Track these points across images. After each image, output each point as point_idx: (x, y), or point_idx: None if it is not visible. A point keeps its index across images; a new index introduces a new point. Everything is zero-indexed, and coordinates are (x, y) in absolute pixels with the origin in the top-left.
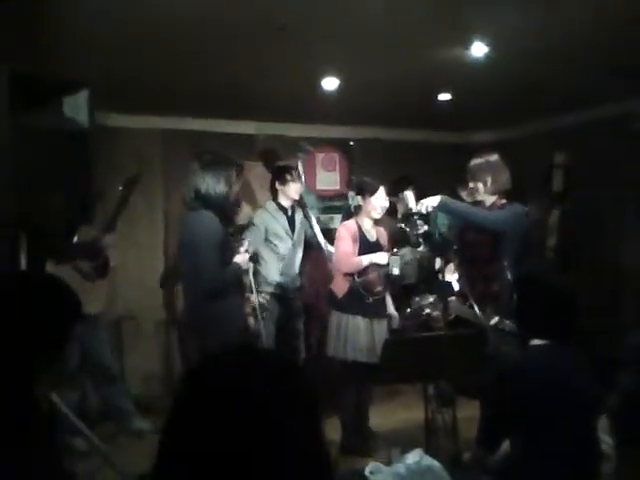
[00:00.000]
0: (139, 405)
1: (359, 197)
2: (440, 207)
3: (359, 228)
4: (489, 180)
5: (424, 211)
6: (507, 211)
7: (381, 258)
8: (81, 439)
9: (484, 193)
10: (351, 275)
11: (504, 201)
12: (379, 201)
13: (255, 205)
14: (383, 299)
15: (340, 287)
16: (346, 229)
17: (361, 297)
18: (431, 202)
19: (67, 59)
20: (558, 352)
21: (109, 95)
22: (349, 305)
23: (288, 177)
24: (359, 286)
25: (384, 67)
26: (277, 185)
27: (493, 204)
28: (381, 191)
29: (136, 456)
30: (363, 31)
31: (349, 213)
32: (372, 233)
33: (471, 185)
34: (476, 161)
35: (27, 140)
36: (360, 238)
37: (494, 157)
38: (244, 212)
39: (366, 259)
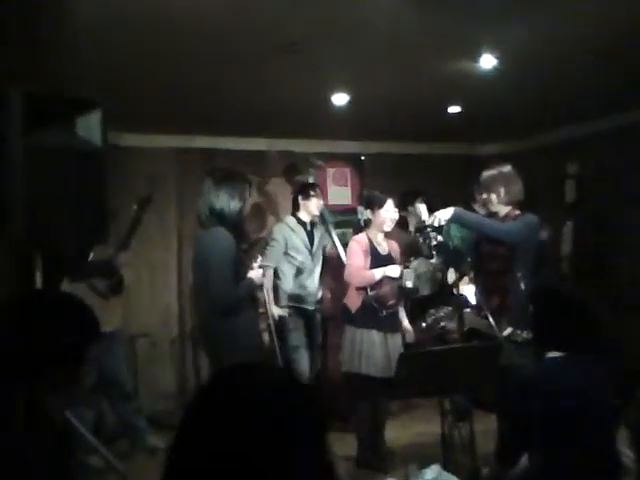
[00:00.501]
0: (153, 422)
1: (368, 211)
2: (453, 219)
3: (370, 241)
4: (502, 191)
5: (437, 224)
6: (520, 222)
7: (393, 271)
8: (97, 457)
9: (498, 204)
10: (364, 289)
11: (518, 212)
12: (389, 213)
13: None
14: (397, 312)
15: (353, 301)
16: (357, 243)
17: (375, 311)
18: (444, 215)
19: (79, 79)
20: (574, 364)
21: (122, 115)
22: (363, 319)
23: (311, 193)
24: (372, 300)
25: (393, 81)
26: (300, 200)
27: (507, 215)
28: (389, 203)
29: (151, 473)
30: (372, 46)
31: (359, 227)
32: (383, 246)
33: (484, 196)
34: (489, 172)
35: (40, 159)
36: (371, 251)
37: (507, 168)
38: (269, 226)
39: (378, 272)
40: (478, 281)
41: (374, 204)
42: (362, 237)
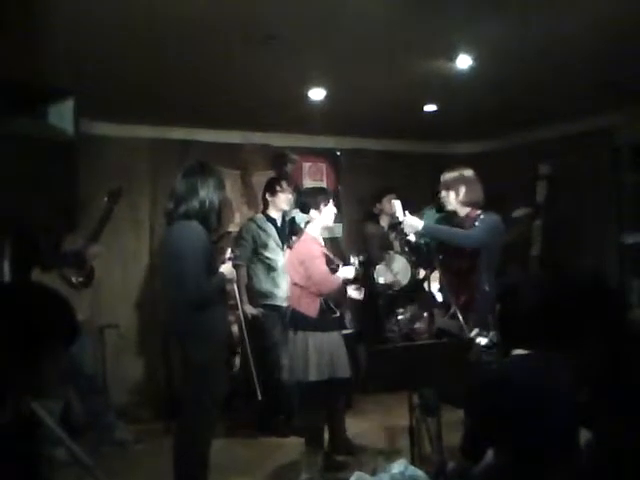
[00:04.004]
0: (121, 415)
1: (313, 210)
2: (424, 234)
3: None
4: (462, 192)
5: (406, 232)
6: (482, 225)
7: (349, 272)
8: (63, 450)
9: (456, 204)
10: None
11: (479, 211)
12: (330, 210)
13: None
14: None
15: (311, 307)
16: (318, 245)
17: (330, 312)
18: (413, 224)
19: (53, 67)
20: (540, 362)
21: (96, 104)
22: (324, 323)
23: (277, 188)
24: (331, 302)
25: (370, 78)
26: (267, 196)
27: (467, 215)
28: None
29: (119, 467)
30: (350, 43)
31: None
32: (325, 247)
33: (443, 195)
34: (451, 174)
35: (12, 148)
36: (323, 254)
37: (468, 171)
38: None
39: (339, 275)
40: (447, 279)
41: (319, 202)
42: (316, 239)
